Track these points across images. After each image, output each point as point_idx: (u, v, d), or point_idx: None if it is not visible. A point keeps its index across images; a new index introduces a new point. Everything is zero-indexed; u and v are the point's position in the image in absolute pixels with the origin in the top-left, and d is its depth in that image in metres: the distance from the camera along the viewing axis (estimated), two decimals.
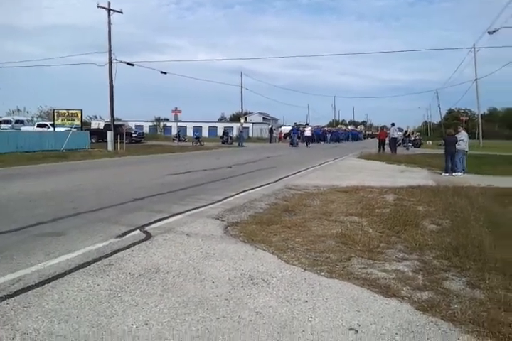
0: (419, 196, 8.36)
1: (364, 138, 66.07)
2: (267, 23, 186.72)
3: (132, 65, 27.30)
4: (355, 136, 57.56)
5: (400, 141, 32.04)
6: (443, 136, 19.50)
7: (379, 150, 24.87)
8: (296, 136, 34.77)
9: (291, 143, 33.99)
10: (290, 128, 42.52)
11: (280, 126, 46.36)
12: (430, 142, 41.77)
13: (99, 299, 3.31)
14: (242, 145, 33.24)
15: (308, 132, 36.15)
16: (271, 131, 44.91)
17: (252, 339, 2.76)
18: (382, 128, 31.37)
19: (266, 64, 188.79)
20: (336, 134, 48.69)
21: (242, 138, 35.47)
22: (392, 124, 25.39)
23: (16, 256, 4.29)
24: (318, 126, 51.65)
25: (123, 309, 3.15)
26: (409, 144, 32.91)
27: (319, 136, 44.16)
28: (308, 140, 35.19)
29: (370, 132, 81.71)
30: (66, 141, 22.60)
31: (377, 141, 26.50)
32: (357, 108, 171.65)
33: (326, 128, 50.25)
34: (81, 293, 3.42)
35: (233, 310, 3.16)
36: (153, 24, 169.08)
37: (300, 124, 43.05)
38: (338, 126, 67.34)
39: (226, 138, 37.57)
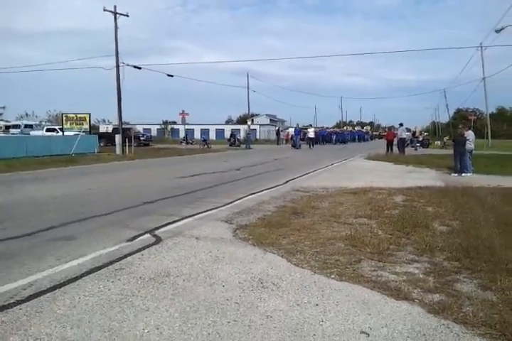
0: (429, 197, 8.32)
1: (371, 139, 65.80)
2: (272, 24, 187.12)
3: (139, 68, 27.41)
4: (361, 137, 57.40)
5: (408, 142, 31.90)
6: (451, 136, 19.37)
7: (387, 150, 24.77)
8: (298, 137, 34.23)
9: (294, 145, 33.54)
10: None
11: (287, 128, 46.33)
12: (438, 142, 41.51)
13: (110, 304, 3.33)
14: (250, 148, 33.25)
15: (311, 133, 35.42)
16: (278, 132, 44.83)
17: None
18: (390, 128, 31.25)
19: (272, 65, 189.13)
20: (342, 135, 48.44)
21: (250, 140, 35.47)
22: (400, 124, 25.27)
23: (27, 261, 4.33)
24: (323, 127, 51.54)
25: (134, 313, 3.16)
26: (418, 145, 32.73)
27: (325, 137, 44.00)
28: (311, 141, 34.57)
29: (377, 133, 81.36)
30: (75, 145, 22.77)
31: (385, 141, 26.39)
32: (364, 108, 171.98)
33: (331, 130, 49.98)
34: (92, 297, 3.44)
35: (244, 314, 3.17)
36: (160, 27, 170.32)
37: (305, 126, 42.81)
38: (345, 127, 67.11)
39: (233, 141, 37.64)
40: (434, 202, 7.77)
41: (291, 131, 40.75)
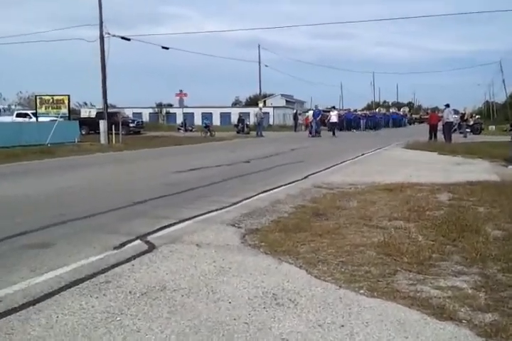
0: (480, 194, 8.26)
1: (410, 124, 65.25)
2: None
3: (128, 39, 27.56)
4: (397, 121, 56.33)
5: (456, 127, 31.63)
6: (509, 118, 19.15)
7: (430, 137, 24.62)
8: (318, 122, 33.45)
9: (311, 132, 32.95)
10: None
11: (307, 111, 46.05)
12: (493, 127, 41.08)
13: (94, 324, 3.37)
14: (261, 135, 33.28)
15: (334, 117, 34.55)
16: (295, 116, 44.49)
17: None
18: (434, 110, 31.08)
19: (288, 35, 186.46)
20: (374, 119, 47.51)
21: (261, 126, 35.42)
22: (447, 106, 25.04)
23: None
24: (349, 110, 51.06)
25: (123, 336, 3.20)
26: (468, 130, 32.43)
27: (351, 122, 43.48)
28: (334, 127, 33.87)
29: (417, 115, 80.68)
30: (51, 134, 22.96)
31: (428, 126, 26.20)
32: (402, 86, 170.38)
33: (359, 113, 49.36)
34: (73, 316, 3.49)
35: (254, 337, 3.19)
36: None
37: (328, 108, 42.47)
38: (377, 110, 66.56)
39: (242, 127, 37.73)
40: (487, 201, 7.70)
41: (311, 114, 40.35)
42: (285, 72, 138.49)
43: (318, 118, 33.78)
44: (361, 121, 44.59)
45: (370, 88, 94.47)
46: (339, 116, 37.52)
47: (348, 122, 43.11)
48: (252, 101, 74.11)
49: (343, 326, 3.35)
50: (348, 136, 34.01)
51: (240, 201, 7.95)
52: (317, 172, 11.87)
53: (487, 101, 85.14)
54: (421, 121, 68.25)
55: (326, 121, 36.76)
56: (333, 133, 32.80)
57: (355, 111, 50.87)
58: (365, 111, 53.42)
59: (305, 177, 10.93)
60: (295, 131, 42.05)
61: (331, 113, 35.67)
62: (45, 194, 8.91)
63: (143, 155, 18.73)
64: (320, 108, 38.70)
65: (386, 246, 5.06)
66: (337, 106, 55.92)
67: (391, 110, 67.90)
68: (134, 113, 53.46)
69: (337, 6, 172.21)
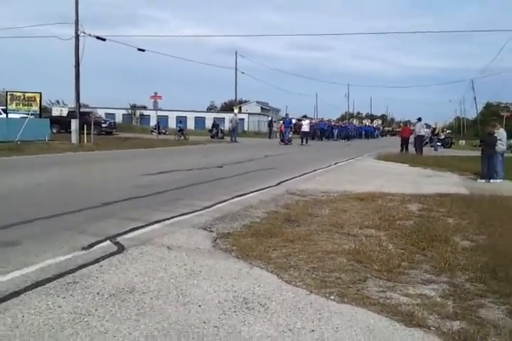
0: (450, 206, 8.42)
1: (382, 136, 66.22)
2: None
3: (104, 39, 27.24)
4: (369, 133, 57.64)
5: (427, 140, 32.20)
6: (479, 134, 19.63)
7: (401, 149, 25.04)
8: (288, 130, 33.78)
9: (282, 140, 33.24)
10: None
11: (282, 119, 46.32)
12: (463, 142, 41.98)
13: (61, 324, 3.31)
14: (236, 141, 33.30)
15: (305, 127, 33.91)
16: (270, 124, 44.79)
17: None
18: (406, 123, 31.50)
19: (267, 43, 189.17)
20: (346, 130, 48.72)
21: (236, 131, 35.45)
22: (419, 119, 25.52)
23: None
24: (322, 119, 51.48)
25: (90, 337, 3.15)
26: (438, 144, 33.09)
27: (324, 131, 44.17)
28: (305, 136, 33.50)
29: (390, 128, 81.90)
30: (21, 131, 22.53)
31: (399, 139, 26.66)
32: (376, 99, 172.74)
33: (333, 122, 49.85)
34: (39, 316, 3.42)
35: (224, 340, 3.17)
36: None
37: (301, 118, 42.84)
38: (350, 120, 67.31)
39: (216, 132, 37.76)
40: (456, 213, 7.86)
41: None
42: (261, 80, 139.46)
43: (288, 128, 34.32)
44: (334, 130, 45.34)
45: (345, 99, 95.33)
46: (311, 126, 37.88)
47: (322, 131, 43.66)
48: (228, 107, 74.09)
49: (313, 331, 3.36)
50: (320, 145, 34.36)
51: (213, 205, 7.93)
52: (290, 179, 11.92)
53: (458, 117, 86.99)
54: (393, 133, 69.38)
55: (298, 129, 37.12)
56: (302, 142, 32.64)
57: (329, 120, 51.14)
58: (338, 122, 54.13)
59: (278, 184, 10.97)
60: (269, 138, 42.27)
61: (303, 122, 35.43)
62: (12, 192, 8.73)
63: (114, 156, 18.52)
64: (292, 117, 39.54)
65: (357, 253, 5.11)
66: (310, 115, 56.45)
67: (364, 122, 68.90)
68: (106, 113, 52.91)
69: (316, 17, 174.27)
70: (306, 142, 32.90)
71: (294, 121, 39.28)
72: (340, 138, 45.10)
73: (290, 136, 33.82)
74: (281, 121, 38.79)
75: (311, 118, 48.20)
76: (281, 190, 9.94)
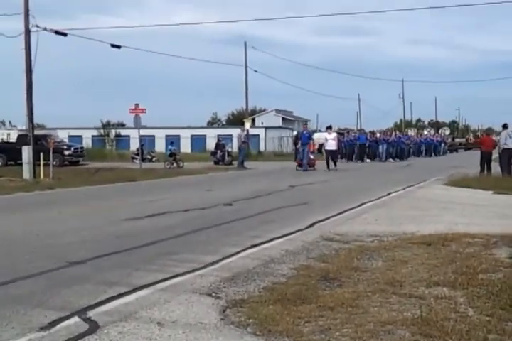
0: None
1: (451, 151, 65.76)
2: None
3: (65, 34, 27.69)
4: (431, 148, 56.25)
5: None
6: None
7: (481, 170, 24.73)
8: (306, 148, 31.31)
9: (299, 164, 31.17)
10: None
11: (313, 132, 46.00)
12: None
13: None
14: (243, 166, 32.99)
15: (331, 142, 32.16)
16: (296, 140, 44.60)
17: None
18: (487, 132, 31.26)
19: (287, 29, 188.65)
20: (398, 144, 46.76)
21: (243, 153, 35.26)
22: (504, 126, 25.20)
23: None
24: (360, 131, 50.51)
25: None
26: None
27: (363, 148, 42.59)
28: (332, 157, 31.62)
29: (463, 139, 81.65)
30: None
31: (480, 154, 26.34)
32: (442, 99, 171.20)
33: (378, 135, 47.17)
34: None
35: None
36: None
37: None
38: (404, 131, 66.71)
39: (221, 155, 37.82)
40: None
41: (320, 137, 39.28)
42: (281, 80, 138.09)
43: (306, 144, 31.96)
44: (381, 146, 43.92)
45: (399, 102, 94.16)
46: (338, 140, 35.60)
47: (361, 148, 42.53)
48: (236, 120, 74.85)
49: None
50: (364, 168, 34.21)
51: (219, 260, 7.90)
52: (326, 219, 11.88)
53: None
54: (468, 147, 69.00)
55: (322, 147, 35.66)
56: (328, 166, 30.92)
57: (373, 133, 49.39)
58: (387, 133, 49.49)
59: (310, 226, 10.94)
60: (296, 159, 42.08)
61: (327, 135, 33.45)
62: None
63: (83, 195, 18.64)
64: (307, 127, 37.43)
65: (424, 324, 5.03)
66: (353, 127, 55.98)
67: (425, 132, 67.59)
68: (71, 136, 53.62)
69: None
70: (335, 165, 31.10)
71: (318, 134, 36.45)
72: (390, 158, 43.60)
73: (312, 156, 32.08)
74: (317, 136, 37.74)
75: (348, 131, 47.65)
76: (314, 235, 9.89)
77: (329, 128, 35.84)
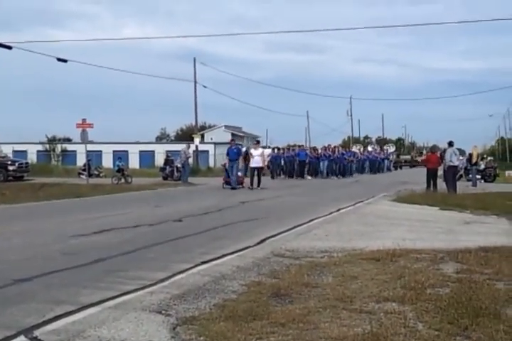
0: (498, 265, 8.44)
1: (396, 168, 66.54)
2: None
3: (9, 47, 27.42)
4: (375, 164, 56.07)
5: (462, 172, 32.65)
6: None
7: (428, 186, 25.10)
8: (235, 165, 29.44)
9: (227, 181, 29.53)
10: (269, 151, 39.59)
11: (264, 148, 45.59)
12: (511, 173, 42.59)
13: None
14: (187, 182, 32.35)
15: (257, 159, 29.43)
16: (246, 156, 44.39)
17: None
18: (433, 150, 31.71)
19: (237, 45, 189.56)
20: (341, 160, 45.03)
21: (186, 169, 34.53)
22: (450, 144, 25.64)
23: None
24: (301, 147, 50.10)
25: None
26: (478, 177, 33.46)
27: (303, 164, 41.73)
28: (258, 174, 29.00)
29: (409, 156, 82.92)
30: None
31: (425, 171, 26.72)
32: (389, 117, 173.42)
33: (319, 150, 45.72)
34: None
35: None
36: None
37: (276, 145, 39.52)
38: (348, 147, 66.98)
39: (171, 170, 37.72)
40: (508, 275, 7.88)
41: (268, 153, 37.91)
42: (230, 96, 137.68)
43: (235, 160, 30.05)
44: (322, 162, 42.90)
45: (347, 119, 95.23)
46: (265, 156, 32.76)
47: (301, 164, 41.78)
48: (185, 135, 74.64)
49: None
50: (307, 185, 34.39)
51: (169, 277, 7.85)
52: (277, 235, 11.89)
53: (502, 138, 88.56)
54: (413, 164, 70.12)
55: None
56: (251, 184, 28.69)
57: (315, 149, 47.77)
58: (329, 149, 46.26)
59: (260, 242, 10.95)
60: (245, 174, 41.94)
61: (253, 152, 30.37)
62: None
63: (28, 211, 18.32)
64: (276, 144, 36.85)
65: (375, 339, 5.07)
66: (302, 143, 55.99)
67: (369, 148, 67.15)
68: (14, 151, 52.74)
69: (304, 6, 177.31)
70: (258, 184, 28.72)
71: (251, 150, 31.96)
72: (333, 175, 42.75)
73: (240, 173, 30.40)
74: (266, 151, 35.65)
75: (299, 146, 47.20)
76: (265, 251, 9.91)
77: (257, 143, 34.09)
